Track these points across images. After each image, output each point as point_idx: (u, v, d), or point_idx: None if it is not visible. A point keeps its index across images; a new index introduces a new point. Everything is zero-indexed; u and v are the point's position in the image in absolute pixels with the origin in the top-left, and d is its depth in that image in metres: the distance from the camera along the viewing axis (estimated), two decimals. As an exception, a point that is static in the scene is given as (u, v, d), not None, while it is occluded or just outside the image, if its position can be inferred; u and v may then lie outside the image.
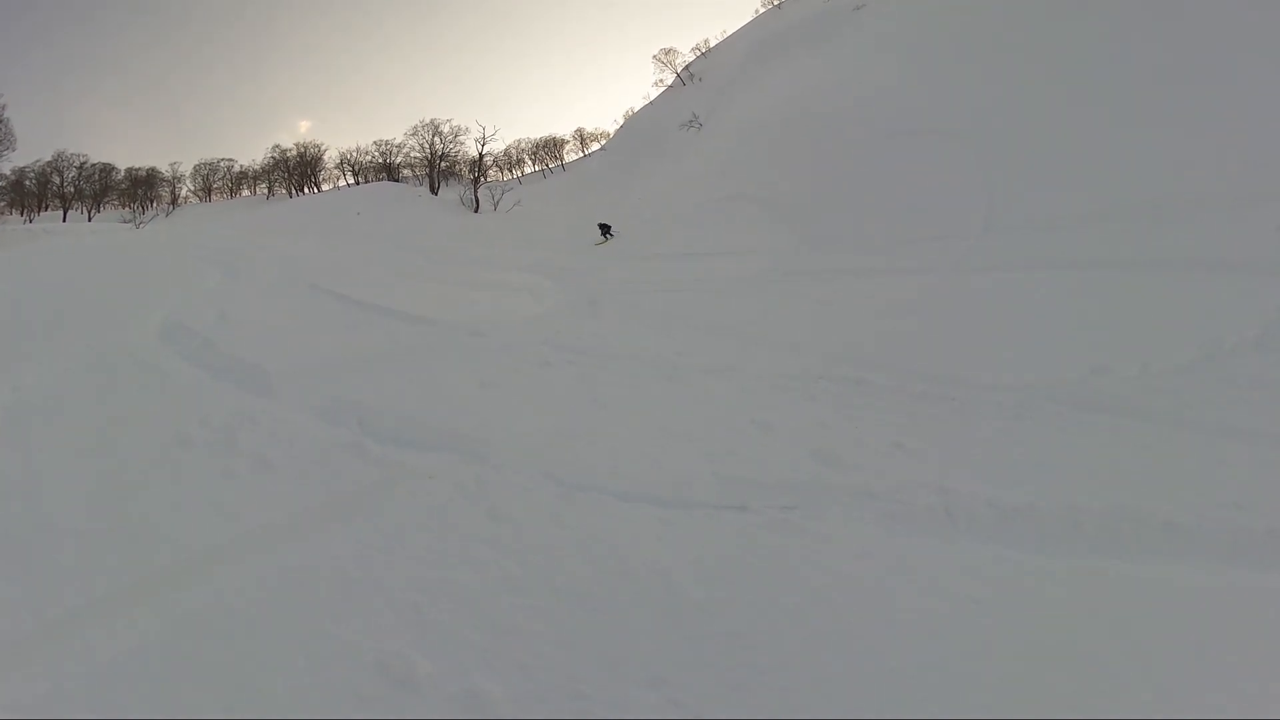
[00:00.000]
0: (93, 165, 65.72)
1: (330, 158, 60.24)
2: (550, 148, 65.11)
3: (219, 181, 66.83)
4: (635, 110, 58.85)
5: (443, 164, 50.91)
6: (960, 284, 9.13)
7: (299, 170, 60.83)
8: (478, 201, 35.17)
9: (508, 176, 59.38)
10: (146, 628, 3.06)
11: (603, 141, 59.68)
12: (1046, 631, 2.88)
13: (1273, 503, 3.69)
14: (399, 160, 57.63)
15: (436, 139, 50.89)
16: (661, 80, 58.26)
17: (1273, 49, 10.70)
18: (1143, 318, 6.91)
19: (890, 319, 8.34)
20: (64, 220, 56.72)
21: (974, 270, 9.42)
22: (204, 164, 67.83)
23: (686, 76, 53.41)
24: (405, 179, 55.96)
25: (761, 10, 59.56)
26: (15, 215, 57.89)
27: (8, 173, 51.84)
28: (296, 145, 55.79)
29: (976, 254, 10.05)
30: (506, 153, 63.92)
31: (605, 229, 24.99)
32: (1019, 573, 3.31)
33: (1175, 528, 3.57)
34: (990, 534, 3.70)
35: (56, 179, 63.34)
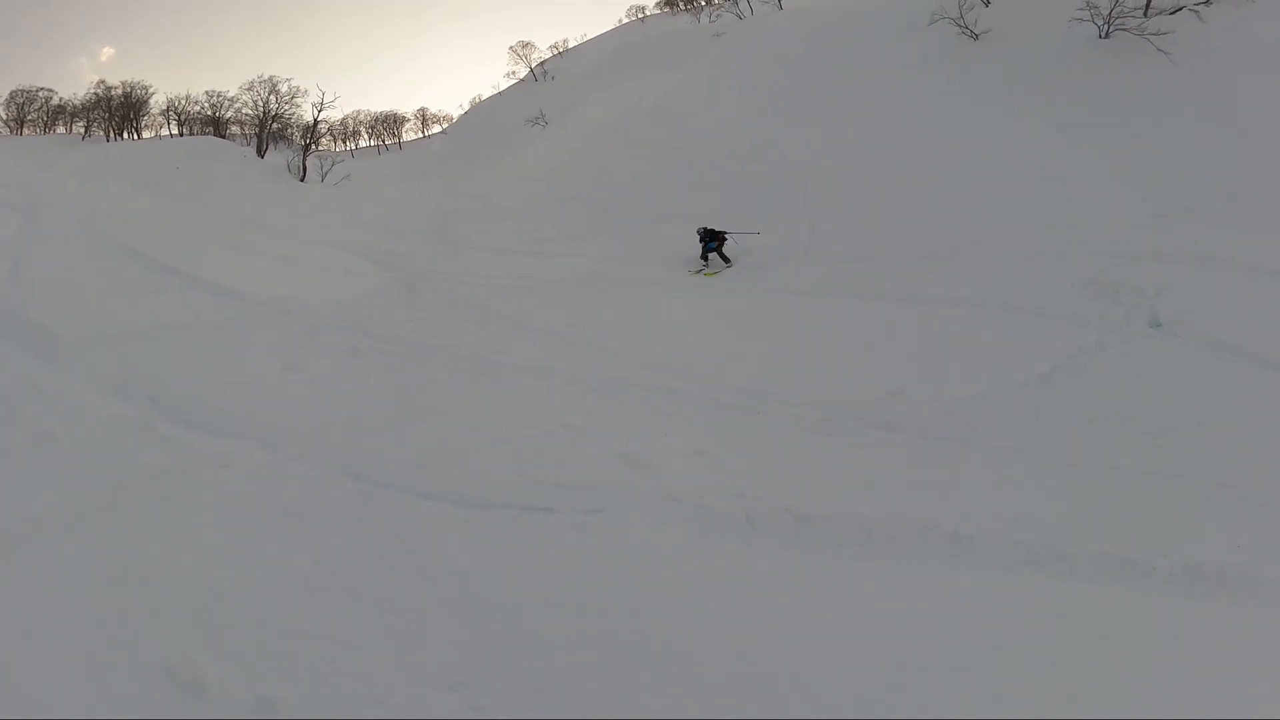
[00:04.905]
0: None
1: (157, 102, 53.69)
2: (389, 124, 61.73)
3: (34, 113, 57.67)
4: (483, 98, 57.39)
5: (274, 125, 47.15)
6: (776, 305, 9.66)
7: (121, 111, 53.88)
8: (305, 170, 32.86)
9: (341, 148, 55.81)
10: None
11: (445, 125, 57.55)
12: (837, 628, 3.12)
13: (1050, 518, 4.12)
14: (229, 115, 52.66)
15: (272, 97, 47.00)
16: (514, 73, 57.13)
17: (1077, 123, 12.09)
18: (941, 349, 7.49)
19: (707, 333, 8.71)
20: None
21: (790, 294, 9.97)
22: (20, 91, 58.19)
23: (540, 73, 52.80)
24: (233, 136, 51.28)
25: (625, 20, 60.06)
26: None
27: None
28: (123, 83, 49.31)
29: (794, 279, 10.64)
30: (343, 122, 60.00)
31: (711, 238, 12.55)
32: (814, 575, 3.56)
33: (959, 538, 3.93)
34: (788, 539, 3.93)
35: None
